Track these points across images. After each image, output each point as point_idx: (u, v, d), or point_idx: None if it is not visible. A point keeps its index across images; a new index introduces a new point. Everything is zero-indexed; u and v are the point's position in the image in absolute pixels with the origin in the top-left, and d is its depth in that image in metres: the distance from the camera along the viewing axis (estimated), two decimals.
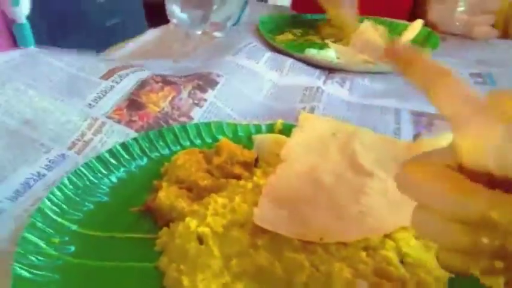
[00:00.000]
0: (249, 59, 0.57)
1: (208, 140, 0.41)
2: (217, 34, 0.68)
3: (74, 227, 0.30)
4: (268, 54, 0.60)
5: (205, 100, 0.47)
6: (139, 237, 0.31)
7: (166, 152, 0.39)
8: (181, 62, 0.60)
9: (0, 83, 0.42)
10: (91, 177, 0.34)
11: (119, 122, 0.42)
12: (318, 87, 0.53)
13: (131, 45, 0.69)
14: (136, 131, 0.42)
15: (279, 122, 0.42)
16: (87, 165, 0.35)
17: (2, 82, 0.43)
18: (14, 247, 0.27)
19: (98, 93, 0.45)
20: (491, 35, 0.74)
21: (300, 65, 0.60)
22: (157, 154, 0.38)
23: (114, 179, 0.35)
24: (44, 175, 0.36)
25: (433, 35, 0.71)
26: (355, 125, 0.39)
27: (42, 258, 0.27)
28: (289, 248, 0.27)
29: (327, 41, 0.70)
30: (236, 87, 0.51)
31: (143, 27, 0.89)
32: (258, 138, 0.39)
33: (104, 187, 0.34)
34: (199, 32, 0.67)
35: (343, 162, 0.35)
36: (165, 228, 0.30)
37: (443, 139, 0.21)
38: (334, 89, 0.54)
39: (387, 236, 0.28)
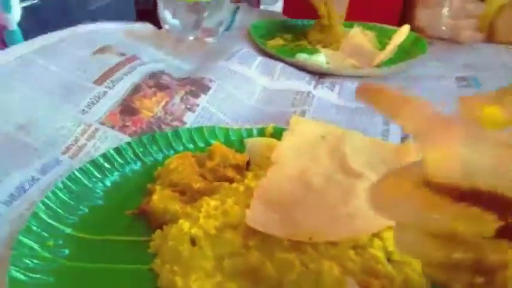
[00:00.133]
0: (241, 65, 0.58)
1: (201, 144, 0.41)
2: (209, 40, 0.69)
3: (68, 231, 0.31)
4: (260, 59, 0.61)
5: (197, 105, 0.48)
6: (133, 239, 0.31)
7: (159, 156, 0.39)
8: (172, 57, 0.60)
9: None
10: (85, 182, 0.35)
11: (112, 127, 0.43)
12: (308, 92, 0.55)
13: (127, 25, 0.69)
14: (130, 136, 0.42)
15: (270, 126, 0.42)
16: (81, 169, 0.35)
17: None
18: (9, 251, 0.28)
19: (91, 99, 0.45)
20: (476, 39, 0.76)
21: (290, 69, 0.61)
22: (150, 158, 0.39)
23: (108, 183, 0.36)
24: (38, 179, 0.36)
25: (420, 39, 0.72)
26: (344, 128, 0.40)
27: (37, 261, 0.28)
28: (280, 248, 0.28)
29: (317, 46, 0.71)
30: (228, 92, 0.52)
31: None
32: (249, 141, 0.40)
33: (98, 191, 0.35)
34: (191, 38, 0.68)
35: (333, 164, 0.35)
36: (158, 231, 0.31)
37: None
38: (324, 93, 0.55)
39: (375, 235, 0.29)
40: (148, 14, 0.75)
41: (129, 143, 0.39)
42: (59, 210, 0.32)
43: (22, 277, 0.26)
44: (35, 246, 0.29)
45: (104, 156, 0.37)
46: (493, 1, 0.76)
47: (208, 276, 0.27)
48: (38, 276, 0.27)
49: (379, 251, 0.28)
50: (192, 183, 0.34)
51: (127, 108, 0.45)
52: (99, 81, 0.48)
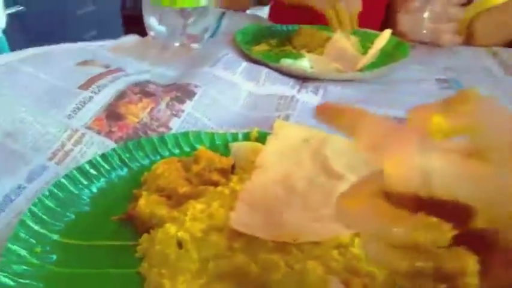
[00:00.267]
0: (226, 70, 0.58)
1: (187, 149, 0.42)
2: (194, 46, 0.69)
3: (55, 237, 0.31)
4: (245, 64, 0.62)
5: (183, 111, 0.49)
6: (121, 244, 0.32)
7: (145, 161, 0.40)
8: (157, 66, 0.61)
9: None
10: (72, 188, 0.35)
11: (98, 132, 0.43)
12: (292, 96, 0.56)
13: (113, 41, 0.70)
14: (116, 141, 0.43)
15: (255, 130, 0.43)
16: (67, 176, 0.36)
17: None
18: None
19: (77, 104, 0.46)
20: (455, 42, 0.78)
21: (275, 74, 0.62)
22: (137, 164, 0.39)
23: (94, 189, 0.36)
24: (24, 188, 0.36)
25: (402, 43, 0.74)
26: (327, 132, 0.41)
27: (25, 267, 0.28)
28: (264, 250, 0.29)
29: (302, 51, 0.73)
30: (213, 98, 0.52)
31: None
32: (234, 146, 0.41)
33: (85, 197, 0.35)
34: (177, 44, 0.69)
35: (316, 167, 0.36)
36: (145, 235, 0.31)
37: None
38: (308, 97, 0.56)
39: (357, 234, 0.30)
40: (135, 19, 0.75)
41: (115, 149, 0.39)
42: (46, 218, 0.32)
43: (11, 283, 0.27)
44: (23, 252, 0.29)
45: (90, 162, 0.37)
46: (472, 6, 0.79)
47: (195, 278, 0.27)
48: (26, 281, 0.27)
49: (361, 249, 0.29)
50: (178, 188, 0.34)
51: (113, 114, 0.45)
52: (85, 86, 0.48)
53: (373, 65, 0.66)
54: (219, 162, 0.37)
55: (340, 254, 0.29)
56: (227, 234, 0.30)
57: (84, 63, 0.54)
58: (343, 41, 0.70)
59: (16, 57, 0.50)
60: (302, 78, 0.62)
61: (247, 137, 0.43)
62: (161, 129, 0.46)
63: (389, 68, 0.66)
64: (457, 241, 0.17)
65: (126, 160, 0.39)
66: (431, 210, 0.18)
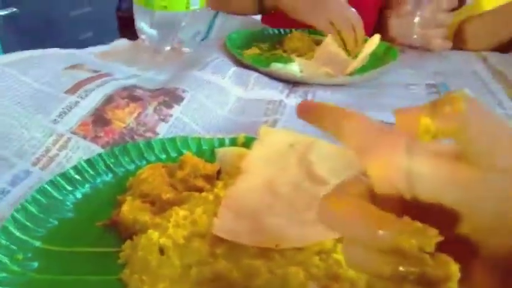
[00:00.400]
0: (215, 74, 0.58)
1: (174, 155, 0.42)
2: (185, 50, 0.69)
3: (37, 244, 0.31)
4: (234, 69, 0.62)
5: (171, 115, 0.49)
6: (103, 251, 0.32)
7: (131, 167, 0.40)
8: (147, 71, 0.61)
9: None
10: (55, 194, 0.35)
11: (84, 137, 0.43)
12: (280, 101, 0.56)
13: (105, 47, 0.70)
14: (102, 146, 0.43)
15: (242, 136, 0.43)
16: (51, 182, 0.35)
17: None
18: None
19: (63, 108, 0.46)
20: (446, 47, 0.79)
21: (264, 79, 0.62)
22: (122, 169, 0.39)
23: (79, 195, 0.36)
24: (8, 191, 0.36)
25: (392, 48, 0.74)
26: (315, 136, 0.41)
27: (6, 275, 0.28)
28: (247, 256, 0.29)
29: (292, 55, 0.73)
30: (202, 103, 0.52)
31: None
32: (220, 151, 0.41)
33: (69, 203, 0.35)
34: (168, 48, 0.69)
35: (301, 172, 0.36)
36: (128, 241, 0.31)
37: None
38: (296, 101, 0.56)
39: (339, 240, 0.30)
40: (130, 21, 0.75)
41: (100, 155, 0.39)
42: (28, 224, 0.32)
43: None
44: (4, 259, 0.29)
45: (75, 168, 0.37)
46: (464, 9, 0.79)
47: (175, 284, 0.27)
48: None
49: (343, 255, 0.29)
50: (162, 194, 0.34)
51: (99, 119, 0.45)
52: (71, 91, 0.48)
53: (363, 69, 0.67)
54: (203, 168, 0.37)
55: (321, 260, 0.29)
56: (209, 240, 0.30)
57: (72, 67, 0.54)
58: (333, 45, 0.70)
59: (2, 60, 0.50)
60: (292, 83, 0.62)
61: (234, 143, 0.43)
62: (148, 134, 0.45)
63: (379, 72, 0.66)
64: (441, 248, 0.17)
65: (112, 165, 0.39)
66: (416, 214, 0.17)
